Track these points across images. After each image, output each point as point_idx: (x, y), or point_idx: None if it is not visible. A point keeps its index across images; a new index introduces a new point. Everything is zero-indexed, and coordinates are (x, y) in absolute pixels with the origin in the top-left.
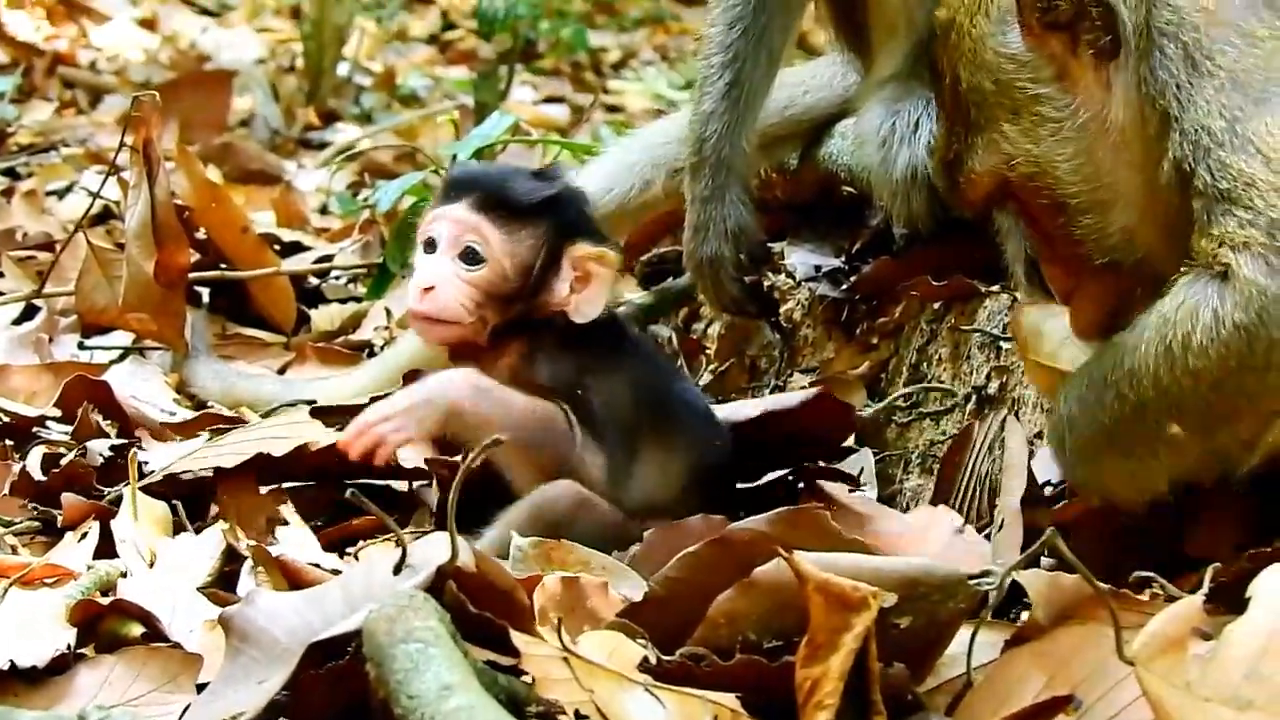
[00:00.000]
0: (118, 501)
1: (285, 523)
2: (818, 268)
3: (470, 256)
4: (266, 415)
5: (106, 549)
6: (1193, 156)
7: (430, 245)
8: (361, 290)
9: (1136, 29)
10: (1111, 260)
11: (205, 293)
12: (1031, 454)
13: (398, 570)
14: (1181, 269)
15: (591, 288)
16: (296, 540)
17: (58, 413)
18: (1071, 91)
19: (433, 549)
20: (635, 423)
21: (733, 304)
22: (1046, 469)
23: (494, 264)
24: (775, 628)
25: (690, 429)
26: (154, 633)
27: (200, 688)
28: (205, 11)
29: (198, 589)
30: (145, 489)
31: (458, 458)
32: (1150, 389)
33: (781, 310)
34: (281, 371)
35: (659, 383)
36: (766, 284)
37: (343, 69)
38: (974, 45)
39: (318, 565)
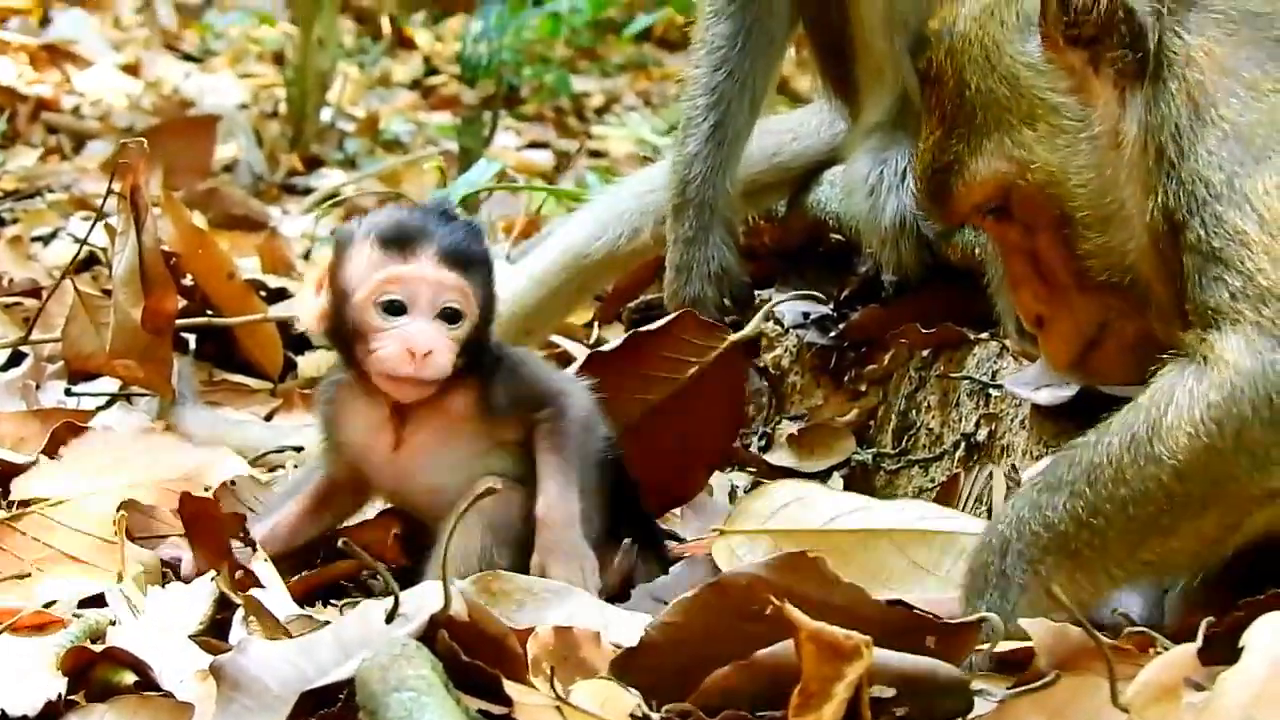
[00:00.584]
0: None
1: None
2: (806, 315)
3: (453, 316)
4: (254, 462)
5: (96, 596)
6: (1188, 208)
7: (394, 306)
8: None
9: (1152, 52)
10: (1108, 281)
11: (192, 339)
12: None
13: (390, 618)
14: (1165, 361)
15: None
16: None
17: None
18: (1089, 104)
19: (425, 597)
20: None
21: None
22: None
23: (471, 317)
24: (770, 701)
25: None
26: (146, 681)
27: None
28: (188, 57)
29: (189, 636)
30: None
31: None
32: (1110, 483)
33: (769, 357)
34: (268, 418)
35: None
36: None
37: (326, 114)
38: (987, 51)
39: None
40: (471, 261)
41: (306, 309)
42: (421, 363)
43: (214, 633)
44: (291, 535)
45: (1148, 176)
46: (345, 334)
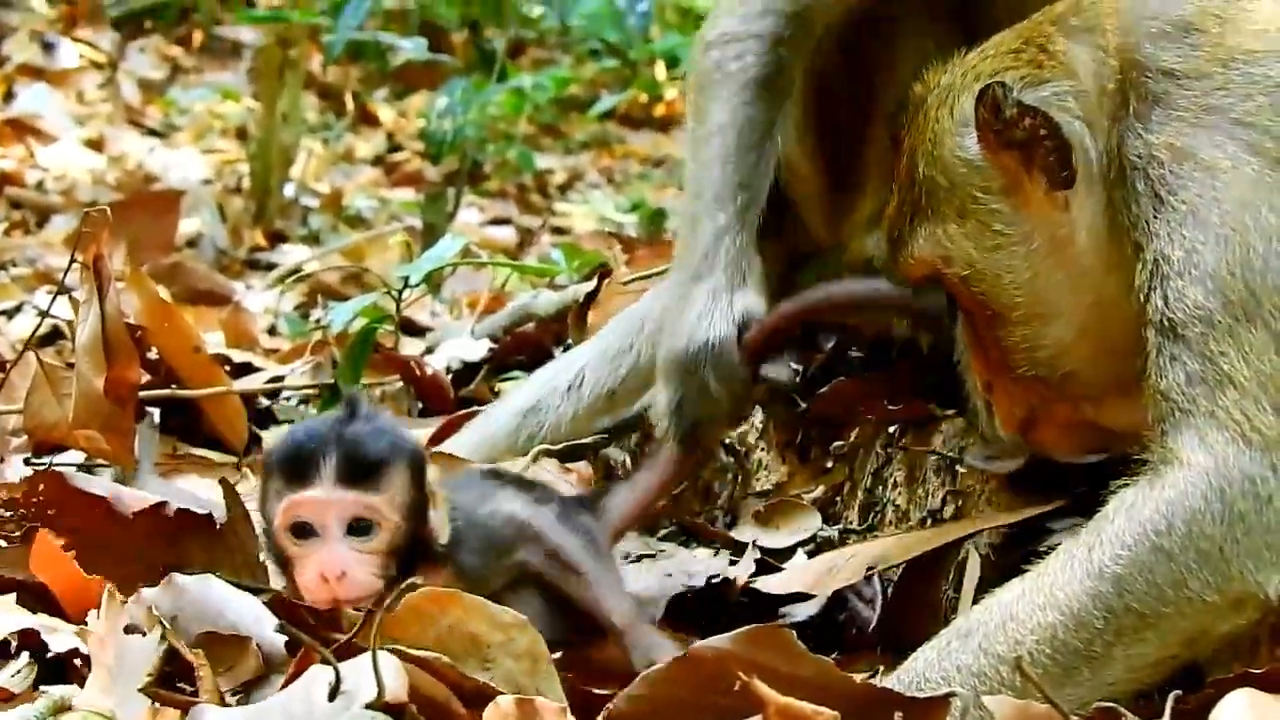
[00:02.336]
0: None
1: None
2: (772, 390)
3: (362, 529)
4: None
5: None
6: (1149, 284)
7: (303, 530)
8: (312, 411)
9: (1108, 155)
10: (1033, 373)
11: (156, 412)
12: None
13: (332, 696)
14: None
15: (441, 507)
16: None
17: None
18: (1022, 209)
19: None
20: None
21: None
22: None
23: (388, 525)
24: None
25: None
26: None
27: None
28: (152, 132)
29: (139, 690)
30: None
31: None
32: (1041, 609)
33: (734, 433)
34: None
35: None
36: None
37: (289, 190)
38: (934, 139)
39: None
40: (373, 469)
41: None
42: (339, 585)
43: (164, 684)
44: None
45: (1103, 276)
46: (279, 561)
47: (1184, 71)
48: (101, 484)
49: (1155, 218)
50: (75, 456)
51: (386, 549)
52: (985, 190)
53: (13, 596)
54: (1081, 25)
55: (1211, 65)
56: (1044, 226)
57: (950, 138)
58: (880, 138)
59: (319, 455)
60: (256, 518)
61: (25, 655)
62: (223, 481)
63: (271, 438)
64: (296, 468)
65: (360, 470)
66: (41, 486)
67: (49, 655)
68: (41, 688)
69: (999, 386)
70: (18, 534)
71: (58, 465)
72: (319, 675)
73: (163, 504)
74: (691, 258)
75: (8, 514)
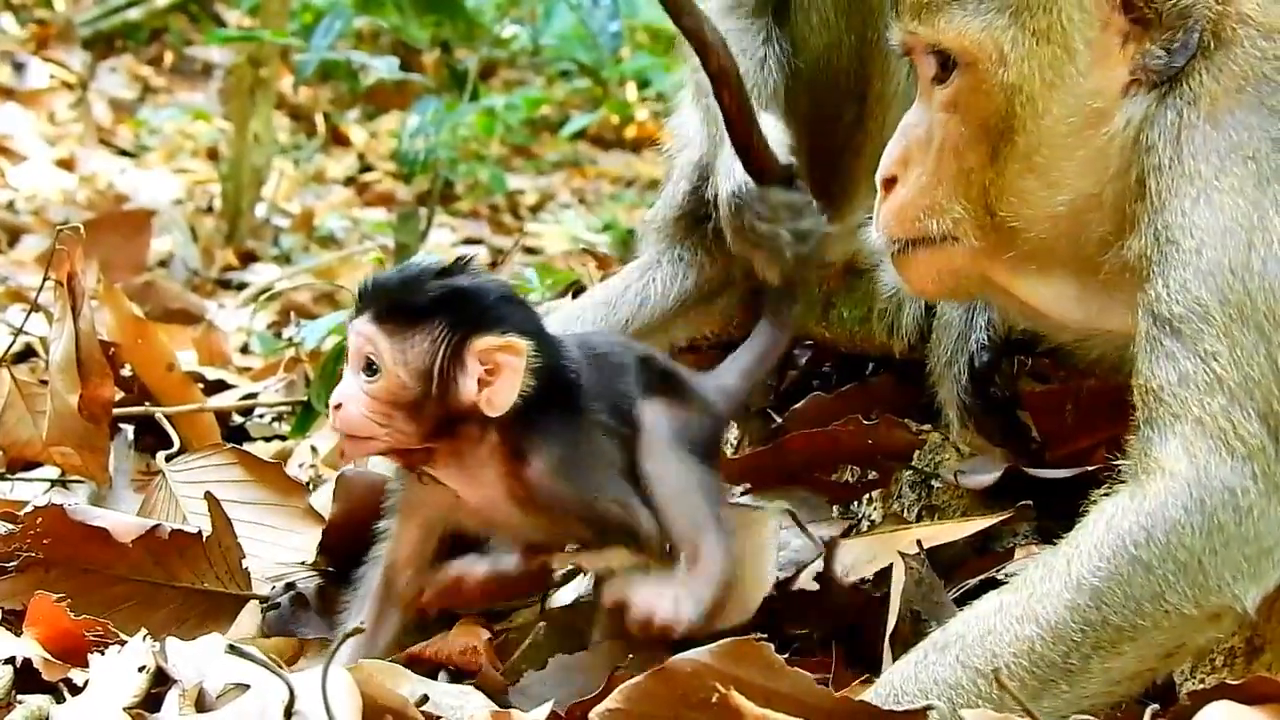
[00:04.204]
0: None
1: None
2: (747, 406)
3: (370, 369)
4: None
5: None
6: (1156, 263)
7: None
8: (286, 428)
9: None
10: (1001, 232)
11: (130, 430)
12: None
13: (287, 717)
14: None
15: (501, 380)
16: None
17: None
18: (1099, 70)
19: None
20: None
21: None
22: None
23: (389, 374)
24: None
25: None
26: None
27: None
28: (123, 152)
29: (123, 709)
30: None
31: None
32: (1017, 622)
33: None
34: None
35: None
36: None
37: (261, 210)
38: None
39: None
40: (392, 313)
41: None
42: (334, 414)
43: (147, 706)
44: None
45: (1124, 195)
46: None
47: (1257, 22)
48: (100, 514)
49: (1170, 169)
50: (50, 473)
51: (387, 399)
52: (1081, 28)
53: None
54: None
55: None
56: (1101, 99)
57: None
58: (869, 149)
59: (373, 290)
60: None
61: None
62: (207, 495)
63: None
64: (360, 298)
65: (382, 310)
66: (40, 520)
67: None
68: (19, 696)
69: (910, 188)
70: (13, 565)
71: (31, 479)
72: (275, 690)
73: (156, 527)
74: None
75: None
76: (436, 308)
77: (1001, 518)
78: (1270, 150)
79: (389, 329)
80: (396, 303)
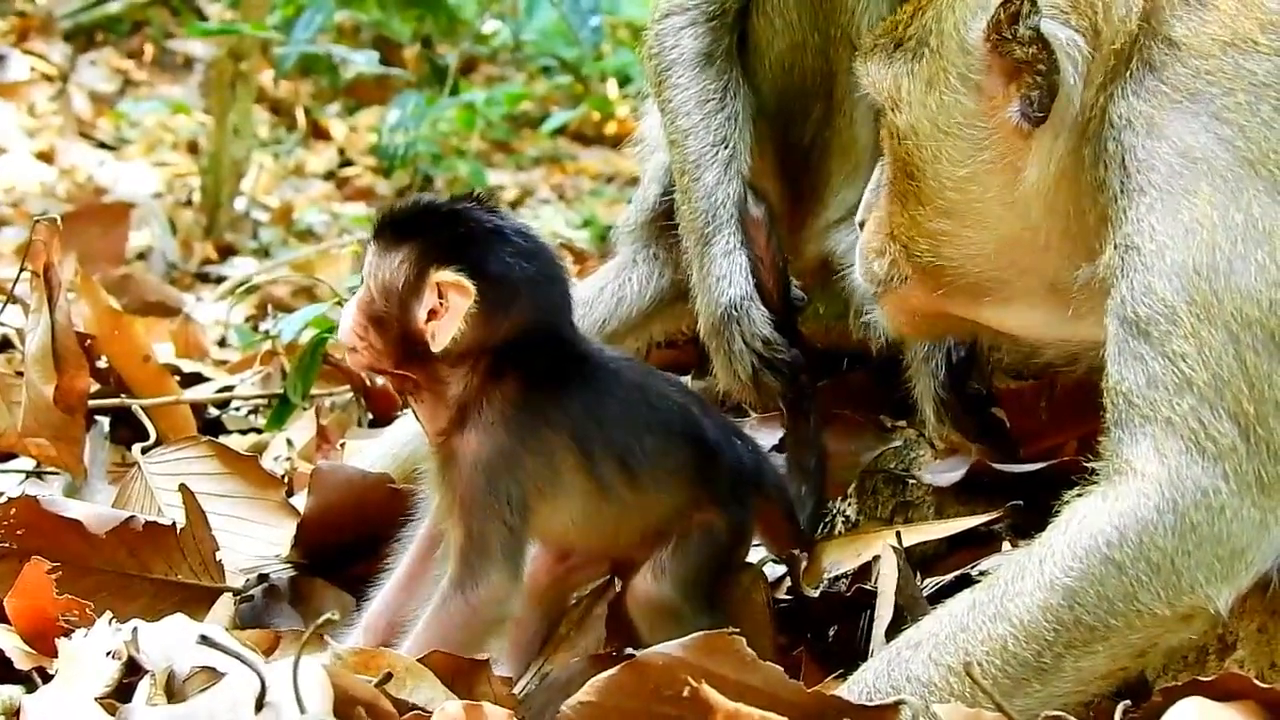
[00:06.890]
0: None
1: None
2: (722, 403)
3: (361, 281)
4: None
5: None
6: (1119, 272)
7: None
8: (261, 421)
9: (1093, 109)
10: (930, 268)
11: (106, 421)
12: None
13: (259, 707)
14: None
15: (445, 316)
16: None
17: None
18: (987, 117)
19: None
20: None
21: (758, 359)
22: None
23: (366, 285)
24: None
25: None
26: None
27: None
28: (103, 145)
29: (95, 699)
30: None
31: None
32: (990, 620)
33: None
34: None
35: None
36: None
37: (240, 204)
38: (949, 7)
39: None
40: (389, 231)
41: None
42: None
43: (119, 696)
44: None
45: (1083, 237)
46: None
47: (1187, 45)
48: (74, 506)
49: (1123, 193)
50: (25, 464)
51: (364, 310)
52: (963, 78)
53: None
54: None
55: (1213, 45)
56: (999, 144)
57: (965, 9)
58: (837, 144)
59: (387, 208)
60: None
61: None
62: (182, 487)
63: None
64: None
65: (380, 227)
66: (14, 511)
67: None
68: None
69: (864, 236)
70: None
71: (6, 470)
72: (244, 688)
73: (130, 519)
74: (696, 222)
75: None
76: (417, 231)
77: (990, 517)
78: (1220, 150)
79: (378, 245)
80: (391, 221)
